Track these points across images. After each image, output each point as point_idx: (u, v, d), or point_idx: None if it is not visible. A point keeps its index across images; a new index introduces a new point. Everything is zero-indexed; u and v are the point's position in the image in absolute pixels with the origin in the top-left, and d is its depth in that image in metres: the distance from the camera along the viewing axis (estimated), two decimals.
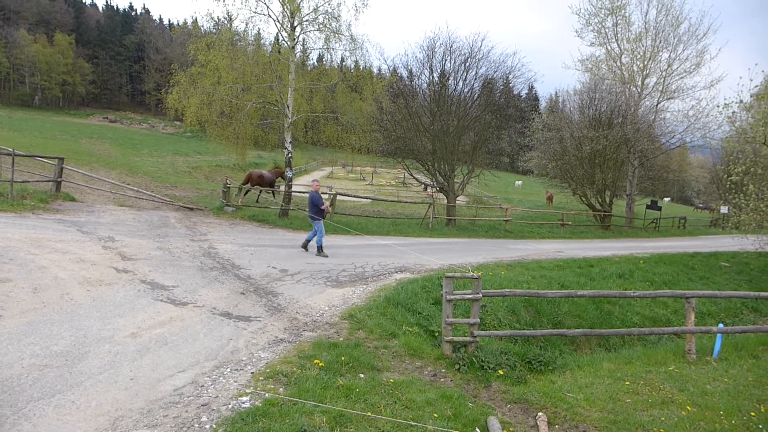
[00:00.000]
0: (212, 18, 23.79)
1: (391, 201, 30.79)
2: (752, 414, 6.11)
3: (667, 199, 74.20)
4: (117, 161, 30.62)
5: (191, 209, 17.82)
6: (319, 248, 12.67)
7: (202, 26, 28.39)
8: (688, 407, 6.14)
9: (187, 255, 10.77)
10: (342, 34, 20.29)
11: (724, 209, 30.88)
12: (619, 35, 33.64)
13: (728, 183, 19.63)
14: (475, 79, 25.18)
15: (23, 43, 76.81)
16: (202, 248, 11.73)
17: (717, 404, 6.29)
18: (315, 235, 12.75)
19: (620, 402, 6.19)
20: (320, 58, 26.62)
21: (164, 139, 61.96)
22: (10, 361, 4.99)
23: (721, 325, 9.37)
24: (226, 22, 21.67)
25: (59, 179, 15.64)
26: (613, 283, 13.77)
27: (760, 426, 5.85)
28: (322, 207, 12.83)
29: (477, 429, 4.69)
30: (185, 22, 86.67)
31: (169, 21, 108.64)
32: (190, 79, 19.74)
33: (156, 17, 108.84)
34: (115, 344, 5.75)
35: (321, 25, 20.08)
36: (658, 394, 6.50)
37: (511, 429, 5.27)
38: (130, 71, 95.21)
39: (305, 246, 12.93)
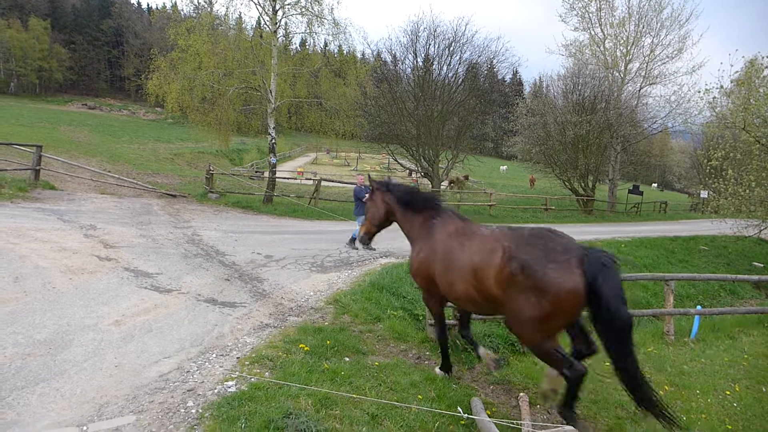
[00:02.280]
0: (192, 1, 23.38)
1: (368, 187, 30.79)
2: (727, 393, 6.29)
3: (654, 185, 75.11)
4: (97, 148, 30.17)
5: (174, 196, 17.66)
6: (353, 239, 12.45)
7: (182, 10, 28.00)
8: (665, 387, 6.29)
9: (170, 242, 10.70)
10: (325, 18, 20.12)
11: (703, 194, 31.39)
12: (602, 20, 33.79)
13: (708, 168, 19.96)
14: (459, 63, 25.24)
15: None
16: (186, 235, 11.66)
17: (693, 384, 6.46)
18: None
19: (600, 382, 6.32)
20: (303, 43, 26.38)
21: (145, 125, 61.07)
22: None
23: (699, 307, 9.61)
24: (206, 5, 21.39)
25: (38, 167, 15.37)
26: None
27: (735, 404, 6.03)
28: (364, 199, 12.63)
29: (460, 409, 4.77)
30: (164, 6, 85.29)
31: (148, 5, 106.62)
32: (171, 65, 19.47)
33: (134, 1, 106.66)
34: (99, 332, 5.72)
35: (303, 9, 19.88)
36: None
37: (494, 409, 5.37)
38: (108, 57, 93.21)
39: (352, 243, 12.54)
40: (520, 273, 4.29)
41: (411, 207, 5.79)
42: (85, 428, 3.95)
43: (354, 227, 12.75)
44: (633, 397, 4.40)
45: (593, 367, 6.76)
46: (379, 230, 6.28)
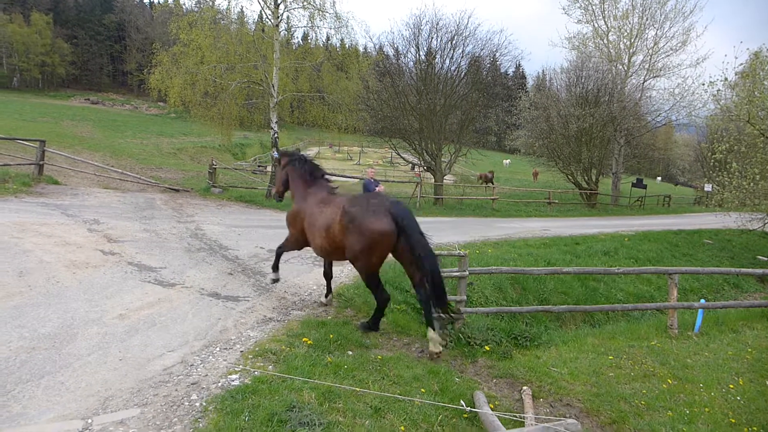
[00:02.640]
0: None
1: (379, 180, 30.77)
2: (731, 386, 6.28)
3: (658, 179, 74.87)
4: (100, 143, 30.22)
5: (177, 191, 17.69)
6: None
7: (184, 4, 27.96)
8: (669, 380, 6.30)
9: (174, 236, 10.72)
10: (326, 12, 20.07)
11: (707, 187, 31.29)
12: (606, 12, 33.61)
13: (712, 161, 19.87)
14: (462, 57, 25.12)
15: None
16: (189, 229, 11.68)
17: (697, 377, 6.46)
18: None
19: (603, 376, 6.33)
20: (305, 37, 26.35)
21: (148, 120, 61.09)
22: None
23: (702, 301, 9.59)
24: None
25: (41, 162, 15.41)
26: (598, 261, 13.96)
27: (738, 398, 6.03)
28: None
29: (463, 403, 4.78)
30: (166, 1, 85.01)
31: None
32: (173, 59, 19.45)
33: None
34: (104, 326, 5.75)
35: (305, 2, 19.82)
36: (640, 367, 6.65)
37: (496, 403, 5.38)
38: (110, 51, 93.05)
39: None
40: (350, 223, 6.08)
41: (298, 176, 7.36)
42: (89, 421, 3.97)
43: None
44: (436, 302, 6.10)
45: (595, 363, 6.78)
46: (285, 190, 7.74)
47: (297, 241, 7.25)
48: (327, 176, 7.44)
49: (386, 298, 6.45)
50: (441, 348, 6.35)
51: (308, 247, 7.24)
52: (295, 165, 7.47)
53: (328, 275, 7.61)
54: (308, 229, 6.79)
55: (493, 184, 37.38)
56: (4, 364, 4.65)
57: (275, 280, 7.71)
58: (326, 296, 7.61)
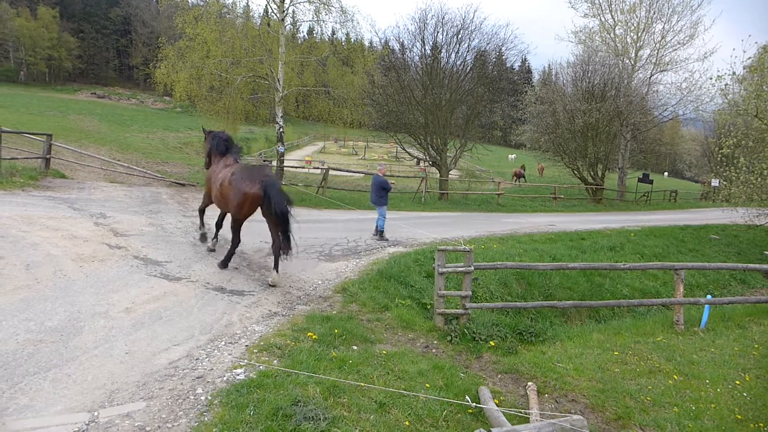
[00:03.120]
0: None
1: (384, 175, 30.70)
2: (737, 383, 6.26)
3: (665, 174, 74.45)
4: (107, 137, 30.31)
5: (183, 185, 17.71)
6: (381, 232, 12.51)
7: None
8: (675, 376, 6.28)
9: (179, 231, 10.75)
10: (332, 6, 19.99)
11: (714, 182, 31.09)
12: (612, 6, 33.35)
13: (719, 156, 19.74)
14: (468, 51, 25.04)
15: (5, 17, 74.74)
16: (195, 224, 11.69)
17: (703, 373, 6.44)
18: (381, 220, 12.57)
19: (609, 371, 6.32)
20: (311, 31, 26.23)
21: (154, 114, 61.23)
22: (4, 337, 5.01)
23: (709, 297, 9.53)
24: None
25: (48, 156, 15.45)
26: (604, 256, 13.90)
27: (745, 394, 6.00)
28: (390, 188, 13.00)
29: (468, 398, 4.79)
30: None
31: None
32: (179, 53, 19.43)
33: None
34: (110, 319, 5.78)
35: None
36: (646, 363, 6.63)
37: (501, 398, 5.38)
38: (116, 45, 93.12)
39: (381, 235, 12.52)
40: (229, 184, 8.10)
41: (214, 150, 9.45)
42: (96, 413, 4.00)
43: (374, 216, 12.86)
44: (283, 244, 7.98)
45: (601, 359, 6.77)
46: (209, 160, 9.67)
47: (207, 195, 9.37)
48: (237, 150, 9.48)
49: (237, 242, 8.33)
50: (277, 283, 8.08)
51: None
52: (212, 141, 9.59)
53: (218, 225, 9.53)
54: (212, 187, 8.85)
55: (525, 179, 37.73)
56: (12, 357, 4.68)
57: (203, 235, 9.77)
58: (212, 239, 9.57)
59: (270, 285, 7.97)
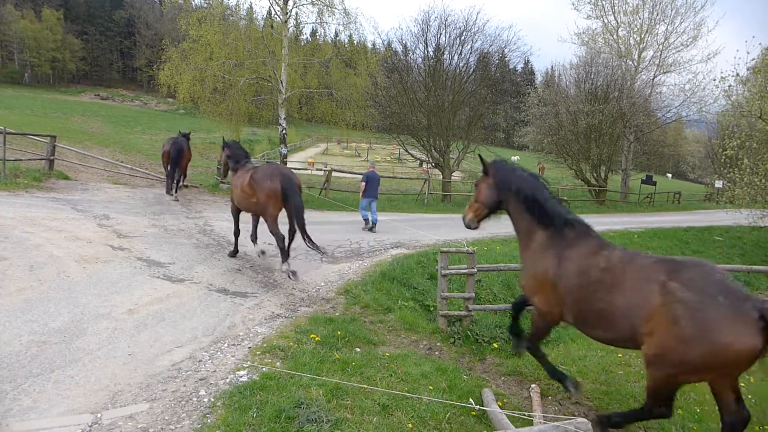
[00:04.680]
0: None
1: (387, 177, 30.72)
2: (742, 385, 6.19)
3: (669, 175, 74.23)
4: (110, 139, 30.39)
5: (186, 186, 17.74)
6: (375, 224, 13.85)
7: (193, 0, 27.97)
8: None
9: (182, 232, 10.76)
10: (335, 8, 20.05)
11: (718, 183, 31.01)
12: (615, 7, 33.36)
13: (723, 157, 19.68)
14: (471, 53, 25.04)
15: (10, 19, 75.16)
16: (198, 225, 11.72)
17: None
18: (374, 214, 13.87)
19: (612, 374, 6.29)
20: (314, 33, 26.32)
21: (157, 116, 61.39)
22: (8, 338, 5.02)
23: None
24: None
25: (52, 157, 15.50)
26: None
27: (749, 396, 5.96)
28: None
29: (471, 400, 4.77)
30: None
31: None
32: (182, 55, 19.51)
33: None
34: (113, 321, 5.78)
35: None
36: None
37: (505, 401, 5.36)
38: (120, 47, 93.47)
39: (372, 228, 13.71)
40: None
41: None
42: (99, 415, 4.00)
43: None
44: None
45: (604, 361, 6.74)
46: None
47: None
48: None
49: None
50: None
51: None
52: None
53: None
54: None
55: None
56: (15, 358, 4.69)
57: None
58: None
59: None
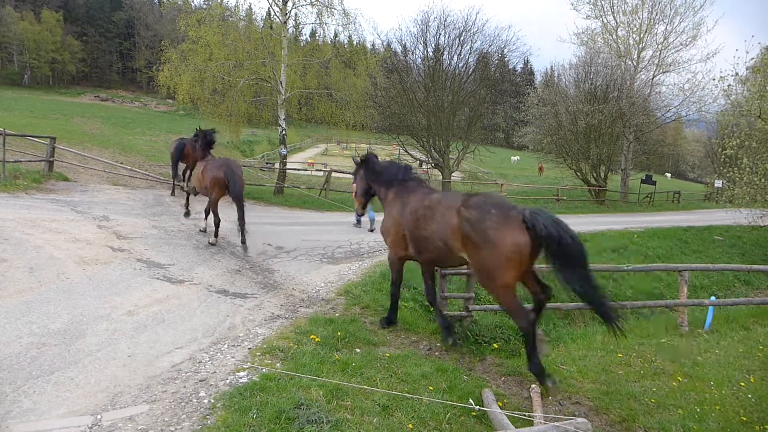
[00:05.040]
0: None
1: None
2: (742, 384, 6.22)
3: (667, 175, 74.24)
4: (110, 140, 30.34)
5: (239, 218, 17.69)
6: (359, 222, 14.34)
7: (192, 1, 27.99)
8: (679, 378, 6.24)
9: (182, 233, 10.76)
10: (334, 8, 20.04)
11: (718, 183, 31.00)
12: (615, 7, 33.31)
13: (723, 157, 19.69)
14: (470, 53, 25.06)
15: (10, 21, 74.99)
16: (198, 226, 11.71)
17: (707, 375, 6.40)
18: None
19: (612, 373, 6.29)
20: (313, 34, 26.31)
21: (157, 117, 61.29)
22: (8, 340, 5.02)
23: (713, 298, 9.50)
24: None
25: (51, 159, 15.50)
26: (607, 258, 13.87)
27: (749, 396, 5.96)
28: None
29: (471, 401, 4.77)
30: None
31: None
32: (181, 56, 19.49)
33: None
34: (113, 322, 5.78)
35: None
36: (650, 365, 6.60)
37: (505, 401, 5.36)
38: (120, 48, 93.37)
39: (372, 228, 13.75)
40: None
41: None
42: (99, 417, 3.99)
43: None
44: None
45: (604, 361, 6.74)
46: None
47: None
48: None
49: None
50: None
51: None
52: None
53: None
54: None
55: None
56: (15, 360, 4.69)
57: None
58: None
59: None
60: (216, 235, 10.17)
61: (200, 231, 10.90)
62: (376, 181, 6.82)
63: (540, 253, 5.04)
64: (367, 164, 7.00)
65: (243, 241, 9.94)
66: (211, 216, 10.37)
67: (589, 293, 5.04)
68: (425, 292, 6.77)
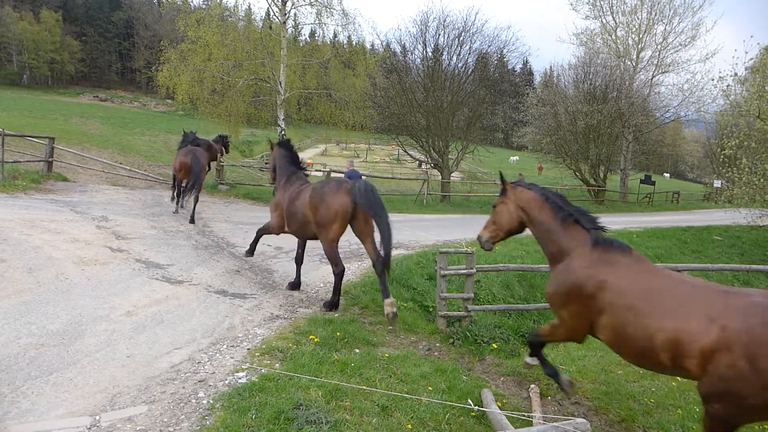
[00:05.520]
0: None
1: (386, 178, 30.69)
2: None
3: (666, 175, 74.30)
4: (109, 140, 30.30)
5: (185, 188, 17.72)
6: None
7: (192, 1, 27.99)
8: (678, 378, 6.24)
9: (181, 234, 10.76)
10: (333, 9, 20.06)
11: (717, 183, 31.01)
12: (614, 8, 33.39)
13: (722, 157, 19.71)
14: (469, 53, 25.03)
15: (9, 21, 74.86)
16: (197, 227, 11.72)
17: None
18: None
19: (612, 374, 6.29)
20: (312, 34, 26.32)
21: (156, 117, 61.22)
22: (6, 341, 5.01)
23: None
24: None
25: (51, 159, 15.49)
26: None
27: None
28: None
29: (470, 401, 4.77)
30: None
31: None
32: (181, 56, 19.50)
33: None
34: (112, 323, 5.77)
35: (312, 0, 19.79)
36: None
37: (504, 401, 5.36)
38: (119, 48, 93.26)
39: None
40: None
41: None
42: (97, 418, 3.99)
43: None
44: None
45: (604, 361, 6.74)
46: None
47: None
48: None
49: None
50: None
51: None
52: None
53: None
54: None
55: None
56: (14, 361, 4.68)
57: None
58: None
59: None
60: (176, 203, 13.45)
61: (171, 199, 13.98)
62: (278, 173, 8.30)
63: (358, 212, 6.88)
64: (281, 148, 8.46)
65: (181, 205, 13.32)
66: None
67: (386, 238, 6.71)
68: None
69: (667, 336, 3.57)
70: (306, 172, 8.26)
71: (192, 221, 11.90)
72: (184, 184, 12.85)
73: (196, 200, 12.26)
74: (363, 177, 24.82)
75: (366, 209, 6.76)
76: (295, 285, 8.03)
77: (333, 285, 7.23)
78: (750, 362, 3.21)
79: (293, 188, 7.60)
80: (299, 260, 8.11)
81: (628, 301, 3.88)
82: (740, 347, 3.25)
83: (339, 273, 7.10)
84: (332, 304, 7.15)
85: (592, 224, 4.63)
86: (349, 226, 7.15)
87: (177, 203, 13.48)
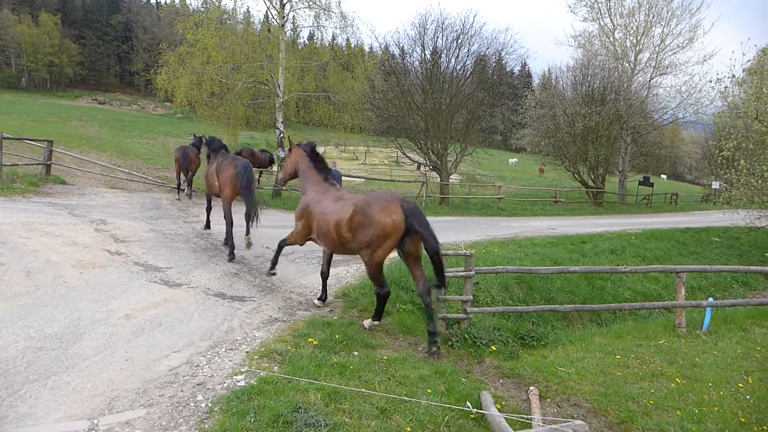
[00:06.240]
0: None
1: (385, 180, 30.71)
2: (740, 385, 6.22)
3: (663, 177, 74.38)
4: (107, 143, 30.31)
5: (183, 191, 17.72)
6: None
7: (190, 4, 28.03)
8: (677, 379, 6.24)
9: (180, 237, 10.75)
10: (332, 11, 20.07)
11: (715, 185, 31.05)
12: (612, 10, 33.45)
13: (720, 158, 19.72)
14: (468, 56, 25.06)
15: (7, 24, 74.82)
16: (195, 230, 11.71)
17: (706, 376, 6.40)
18: None
19: (611, 375, 6.28)
20: (311, 37, 26.35)
21: (155, 120, 61.21)
22: (4, 344, 5.00)
23: (711, 299, 9.49)
24: None
25: (49, 162, 15.48)
26: (605, 259, 13.88)
27: (748, 397, 5.96)
28: None
29: (469, 403, 4.76)
30: (173, 1, 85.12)
31: (157, 0, 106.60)
32: (179, 59, 19.50)
33: None
34: (110, 326, 5.76)
35: (311, 2, 19.83)
36: (648, 367, 6.60)
37: (503, 403, 5.35)
38: (117, 52, 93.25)
39: None
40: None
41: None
42: (96, 421, 3.98)
43: None
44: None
45: (603, 362, 6.74)
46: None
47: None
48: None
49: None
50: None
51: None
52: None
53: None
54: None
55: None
56: (12, 364, 4.67)
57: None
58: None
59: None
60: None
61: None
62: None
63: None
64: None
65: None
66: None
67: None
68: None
69: (334, 220, 6.62)
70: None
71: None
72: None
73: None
74: (343, 177, 24.94)
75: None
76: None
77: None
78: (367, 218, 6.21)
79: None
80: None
81: (321, 208, 6.98)
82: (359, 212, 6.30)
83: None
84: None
85: (325, 173, 7.56)
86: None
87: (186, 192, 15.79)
